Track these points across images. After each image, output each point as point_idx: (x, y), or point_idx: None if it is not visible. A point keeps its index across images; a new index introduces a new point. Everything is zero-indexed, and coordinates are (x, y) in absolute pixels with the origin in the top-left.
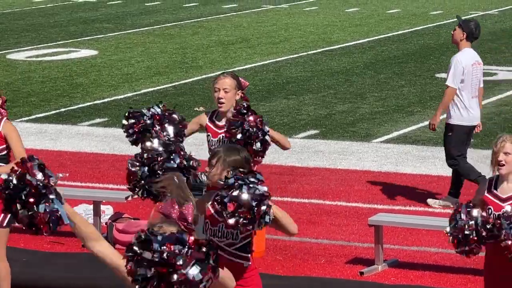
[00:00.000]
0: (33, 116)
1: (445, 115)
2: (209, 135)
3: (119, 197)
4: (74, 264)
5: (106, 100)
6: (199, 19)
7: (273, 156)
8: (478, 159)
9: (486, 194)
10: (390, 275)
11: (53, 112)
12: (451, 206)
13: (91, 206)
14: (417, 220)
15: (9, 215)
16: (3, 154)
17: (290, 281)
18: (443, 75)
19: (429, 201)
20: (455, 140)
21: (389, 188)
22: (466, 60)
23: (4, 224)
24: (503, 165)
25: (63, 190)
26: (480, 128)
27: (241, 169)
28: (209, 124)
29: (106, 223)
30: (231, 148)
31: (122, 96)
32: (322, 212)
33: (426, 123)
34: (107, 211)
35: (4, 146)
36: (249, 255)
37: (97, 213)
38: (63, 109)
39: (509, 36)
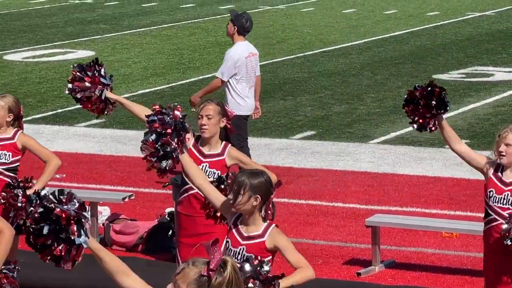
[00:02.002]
0: (30, 117)
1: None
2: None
3: (116, 198)
4: None
5: None
6: (196, 20)
7: (269, 157)
8: None
9: (491, 175)
10: (387, 276)
11: (50, 113)
12: None
13: (88, 207)
14: (414, 221)
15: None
16: (14, 166)
17: None
18: (440, 76)
19: None
20: (235, 131)
21: (386, 189)
22: (239, 54)
23: None
24: (504, 155)
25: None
26: (259, 114)
27: None
28: (193, 149)
29: (103, 224)
30: (254, 172)
31: None
32: (319, 213)
33: None
34: (104, 212)
35: (18, 157)
36: None
37: (94, 214)
38: (60, 110)
39: (505, 37)
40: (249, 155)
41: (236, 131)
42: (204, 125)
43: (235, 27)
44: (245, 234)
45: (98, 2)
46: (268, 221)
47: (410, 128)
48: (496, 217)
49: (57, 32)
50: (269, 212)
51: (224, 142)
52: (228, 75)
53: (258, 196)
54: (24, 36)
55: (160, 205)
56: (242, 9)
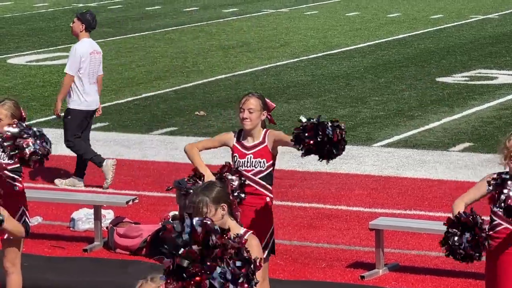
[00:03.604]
0: (34, 121)
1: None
2: (235, 155)
3: (119, 202)
4: (75, 268)
5: (107, 104)
6: (199, 23)
7: None
8: (479, 162)
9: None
10: (391, 279)
11: (54, 116)
12: (76, 186)
13: (92, 211)
14: (418, 224)
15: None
16: (17, 167)
17: (291, 285)
18: (444, 79)
19: (56, 181)
20: (72, 123)
21: (390, 192)
22: (84, 49)
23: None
24: None
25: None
26: (100, 112)
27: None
28: (237, 145)
29: (107, 228)
30: (206, 186)
31: (123, 101)
32: (323, 216)
33: (427, 127)
34: (108, 216)
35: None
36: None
37: (98, 217)
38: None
39: (509, 40)
40: (83, 149)
41: (73, 124)
42: (246, 118)
43: (83, 25)
44: None
45: (102, 6)
46: (243, 227)
47: (414, 131)
48: (500, 221)
49: (61, 35)
50: (237, 213)
51: (264, 130)
52: (76, 69)
53: (223, 204)
54: (27, 40)
55: (163, 209)
56: (245, 12)
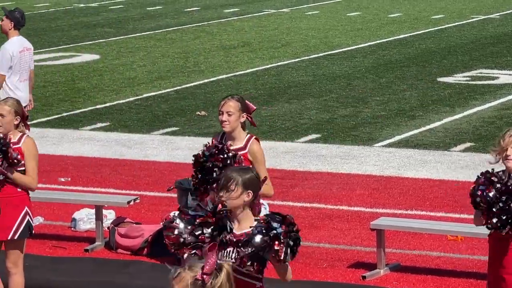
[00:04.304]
0: (35, 121)
1: None
2: None
3: (121, 202)
4: (76, 268)
5: (108, 104)
6: (200, 24)
7: (274, 161)
8: (480, 162)
9: None
10: (392, 279)
11: (55, 116)
12: None
13: (93, 211)
14: (419, 224)
15: (22, 228)
16: (20, 171)
17: (292, 285)
18: (445, 79)
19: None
20: None
21: (391, 192)
22: (14, 48)
23: (16, 237)
24: (511, 159)
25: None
26: (32, 106)
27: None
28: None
29: (108, 228)
30: (243, 168)
31: (124, 101)
32: (324, 216)
33: (428, 127)
34: (109, 216)
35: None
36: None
37: (99, 217)
38: (65, 114)
39: (510, 40)
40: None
41: None
42: (225, 121)
43: (12, 22)
44: (237, 232)
45: (103, 6)
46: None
47: (415, 131)
48: None
49: (62, 35)
50: (257, 208)
51: (248, 135)
52: (6, 68)
53: (250, 191)
54: (29, 40)
55: (165, 209)
56: (247, 12)
